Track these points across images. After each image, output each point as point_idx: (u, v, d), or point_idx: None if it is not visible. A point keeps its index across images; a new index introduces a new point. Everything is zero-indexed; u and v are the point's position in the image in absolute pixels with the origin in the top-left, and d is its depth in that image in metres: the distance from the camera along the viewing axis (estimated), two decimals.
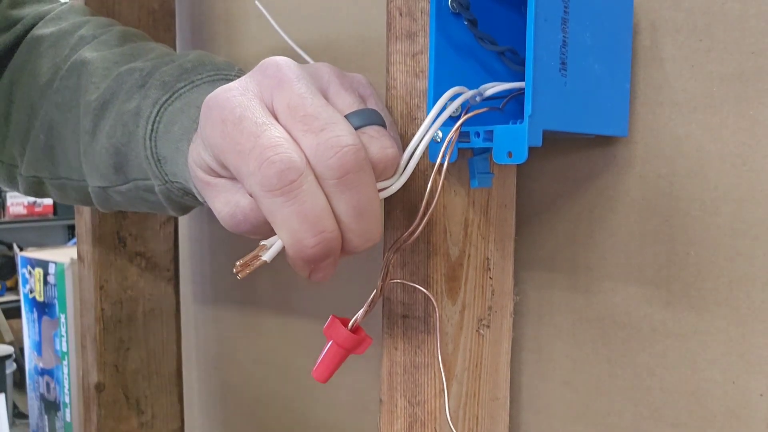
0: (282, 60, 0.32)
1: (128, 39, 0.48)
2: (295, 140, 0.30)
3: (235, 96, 0.31)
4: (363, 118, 0.31)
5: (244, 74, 0.42)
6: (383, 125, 0.32)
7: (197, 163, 0.34)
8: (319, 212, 0.29)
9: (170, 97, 0.41)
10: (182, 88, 0.41)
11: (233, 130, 0.29)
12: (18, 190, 0.54)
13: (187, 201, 0.42)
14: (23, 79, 0.49)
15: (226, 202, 0.33)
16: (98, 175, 0.44)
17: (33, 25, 0.51)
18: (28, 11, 0.52)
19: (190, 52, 0.44)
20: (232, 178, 0.32)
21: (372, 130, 0.31)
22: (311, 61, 0.41)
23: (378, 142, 0.31)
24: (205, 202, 0.37)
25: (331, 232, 0.29)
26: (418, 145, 0.32)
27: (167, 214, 0.46)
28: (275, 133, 0.29)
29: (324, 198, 0.29)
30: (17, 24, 0.51)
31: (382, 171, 0.31)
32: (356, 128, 0.31)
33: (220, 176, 0.33)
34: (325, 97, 0.32)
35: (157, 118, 0.40)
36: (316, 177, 0.29)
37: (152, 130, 0.40)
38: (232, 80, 0.41)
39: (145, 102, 0.42)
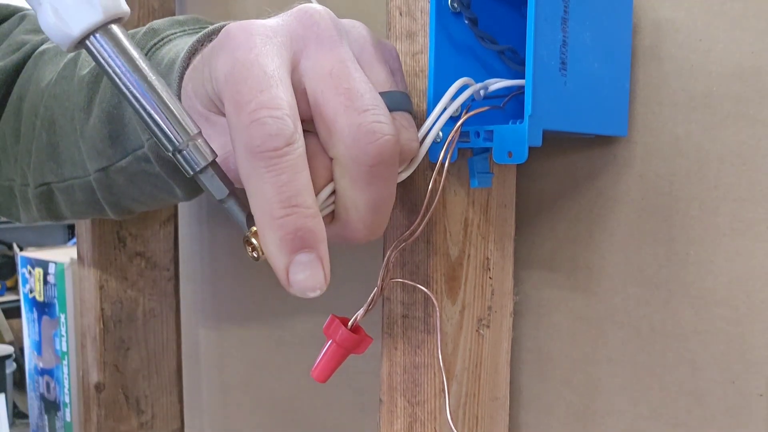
0: (323, 11, 0.29)
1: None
2: (320, 106, 0.28)
3: (260, 35, 0.28)
4: (395, 102, 0.30)
5: None
6: (411, 111, 0.31)
7: (197, 93, 0.31)
8: (297, 187, 0.27)
9: (159, 41, 0.39)
10: (173, 34, 0.39)
11: (239, 73, 0.27)
12: (32, 214, 0.52)
13: None
14: (29, 91, 0.49)
15: (222, 146, 0.31)
16: (96, 153, 0.43)
17: (41, 43, 0.52)
18: (41, 37, 0.52)
19: None
20: None
21: (402, 118, 0.30)
22: None
23: (406, 132, 0.30)
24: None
25: (306, 209, 0.27)
26: (427, 134, 0.31)
27: (173, 197, 0.45)
28: (279, 93, 0.27)
29: (307, 175, 0.27)
30: (26, 44, 0.52)
31: (400, 162, 0.30)
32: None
33: (220, 113, 0.31)
34: (359, 63, 0.29)
35: None
36: (342, 158, 0.27)
37: None
38: None
39: None
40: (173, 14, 0.63)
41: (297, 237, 0.27)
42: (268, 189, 0.26)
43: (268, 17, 0.31)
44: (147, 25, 0.41)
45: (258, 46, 0.28)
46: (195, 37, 0.35)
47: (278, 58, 0.28)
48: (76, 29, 0.27)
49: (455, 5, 0.32)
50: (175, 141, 0.28)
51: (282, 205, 0.26)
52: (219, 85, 0.29)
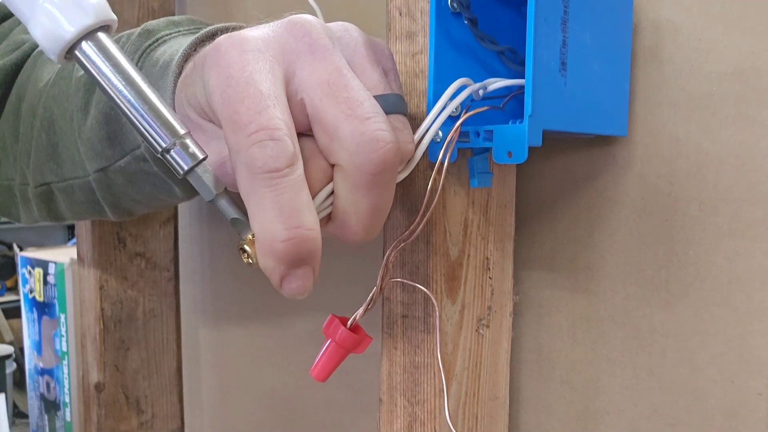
0: (313, 20, 0.29)
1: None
2: (320, 116, 0.28)
3: (252, 50, 0.28)
4: (389, 105, 0.30)
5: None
6: (406, 113, 0.31)
7: (191, 103, 0.32)
8: (299, 206, 0.27)
9: (153, 42, 0.39)
10: (167, 35, 0.39)
11: (235, 93, 0.27)
12: (33, 214, 0.52)
13: None
14: (28, 91, 0.49)
15: (217, 152, 0.31)
16: (95, 154, 0.43)
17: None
18: None
19: None
20: None
21: (397, 121, 0.30)
22: None
23: (402, 135, 0.30)
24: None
25: (309, 229, 0.27)
26: (425, 134, 0.31)
27: (173, 197, 0.45)
28: (277, 113, 0.27)
29: (307, 193, 0.28)
30: (25, 44, 0.52)
31: (398, 164, 0.30)
32: None
33: (212, 121, 0.31)
34: (350, 67, 0.30)
35: (138, 65, 0.38)
36: (345, 164, 0.28)
37: None
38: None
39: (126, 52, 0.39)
40: (173, 15, 0.63)
41: (297, 258, 0.27)
42: (270, 209, 0.27)
43: (259, 23, 0.31)
44: (141, 26, 0.41)
45: (251, 63, 0.28)
46: (188, 42, 0.35)
47: (272, 75, 0.28)
48: (68, 33, 0.28)
49: (455, 5, 0.32)
50: (162, 142, 0.29)
51: (284, 226, 0.27)
52: (213, 101, 0.29)
